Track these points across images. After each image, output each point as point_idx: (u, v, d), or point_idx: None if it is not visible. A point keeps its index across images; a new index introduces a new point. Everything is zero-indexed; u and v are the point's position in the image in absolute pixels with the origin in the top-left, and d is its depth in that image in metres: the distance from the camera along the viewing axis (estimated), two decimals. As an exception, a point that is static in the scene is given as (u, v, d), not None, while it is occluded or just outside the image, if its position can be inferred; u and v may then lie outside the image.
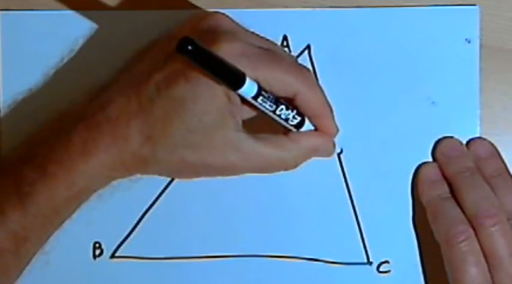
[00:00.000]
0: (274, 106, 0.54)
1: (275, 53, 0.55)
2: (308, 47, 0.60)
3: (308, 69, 0.56)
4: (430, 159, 0.60)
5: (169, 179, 0.61)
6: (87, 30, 0.61)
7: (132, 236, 0.61)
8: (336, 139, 0.58)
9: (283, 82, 0.54)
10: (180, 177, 0.58)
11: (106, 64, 0.60)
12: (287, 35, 0.60)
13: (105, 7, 0.61)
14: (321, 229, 0.61)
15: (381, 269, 0.61)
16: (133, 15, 0.61)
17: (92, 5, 0.61)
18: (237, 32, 0.55)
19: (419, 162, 0.60)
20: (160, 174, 0.57)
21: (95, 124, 0.54)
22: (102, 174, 0.55)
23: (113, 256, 0.61)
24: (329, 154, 0.59)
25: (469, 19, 0.60)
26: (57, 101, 0.60)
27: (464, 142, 0.60)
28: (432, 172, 0.59)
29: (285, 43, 0.60)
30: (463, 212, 0.56)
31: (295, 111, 0.55)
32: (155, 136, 0.53)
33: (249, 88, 0.52)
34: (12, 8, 0.61)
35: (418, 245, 0.60)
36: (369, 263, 0.61)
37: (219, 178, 0.56)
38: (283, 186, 0.60)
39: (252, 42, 0.55)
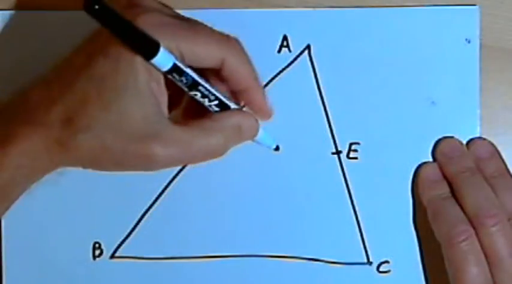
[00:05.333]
0: (192, 81, 0.51)
1: (197, 23, 0.53)
2: (308, 47, 0.60)
3: (236, 39, 0.53)
4: (430, 159, 0.60)
5: (169, 179, 0.61)
6: (87, 30, 0.61)
7: (132, 236, 0.61)
8: (270, 133, 0.58)
9: (206, 48, 0.52)
10: (101, 167, 0.54)
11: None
12: (287, 35, 0.60)
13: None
14: (321, 229, 0.61)
15: (381, 269, 0.61)
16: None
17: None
18: (158, 7, 0.53)
19: (419, 162, 0.60)
20: (83, 164, 0.53)
21: (12, 114, 0.52)
22: (24, 164, 0.52)
23: (112, 256, 0.61)
24: (253, 135, 0.56)
25: (469, 19, 0.60)
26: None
27: (464, 142, 0.60)
28: (432, 172, 0.59)
29: (285, 43, 0.60)
30: (464, 212, 0.57)
31: (215, 90, 0.53)
32: (74, 118, 0.51)
33: (163, 59, 0.50)
34: (12, 8, 0.61)
35: (418, 245, 0.60)
36: (369, 263, 0.61)
37: (152, 173, 0.53)
38: (283, 186, 0.60)
39: (174, 15, 0.53)
